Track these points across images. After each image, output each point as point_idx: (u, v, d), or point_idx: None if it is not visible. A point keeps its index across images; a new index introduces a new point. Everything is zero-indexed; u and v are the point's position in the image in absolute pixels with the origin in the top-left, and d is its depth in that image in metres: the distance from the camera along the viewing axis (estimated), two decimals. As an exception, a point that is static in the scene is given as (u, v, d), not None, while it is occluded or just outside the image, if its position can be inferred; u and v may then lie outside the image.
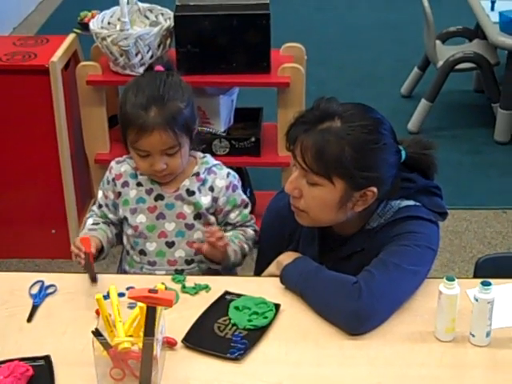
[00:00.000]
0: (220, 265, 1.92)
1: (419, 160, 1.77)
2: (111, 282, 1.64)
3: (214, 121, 2.99)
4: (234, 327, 1.64)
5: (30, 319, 1.69)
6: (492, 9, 3.99)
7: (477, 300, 1.56)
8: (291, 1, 5.88)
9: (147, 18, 3.04)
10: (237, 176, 2.01)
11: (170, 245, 1.96)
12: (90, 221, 2.02)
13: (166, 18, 2.96)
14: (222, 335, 1.62)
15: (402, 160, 1.73)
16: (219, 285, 1.78)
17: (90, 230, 1.96)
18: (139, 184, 1.97)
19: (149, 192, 1.96)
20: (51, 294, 1.78)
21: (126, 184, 1.98)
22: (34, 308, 1.72)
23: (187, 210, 1.95)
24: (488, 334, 1.59)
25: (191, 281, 1.79)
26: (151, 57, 2.83)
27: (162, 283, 1.71)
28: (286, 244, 1.87)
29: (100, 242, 1.91)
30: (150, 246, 1.97)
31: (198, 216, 1.96)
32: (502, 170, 3.79)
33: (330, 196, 1.67)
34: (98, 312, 1.59)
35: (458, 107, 4.42)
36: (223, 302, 1.71)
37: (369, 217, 1.75)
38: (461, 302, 1.60)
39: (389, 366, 1.55)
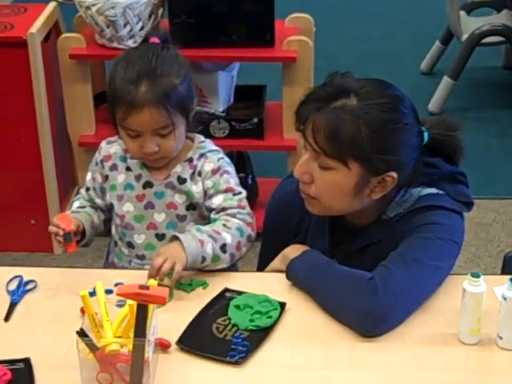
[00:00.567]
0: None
1: (443, 142, 1.77)
2: (98, 277, 1.63)
3: (212, 99, 2.99)
4: (235, 328, 1.65)
5: (7, 318, 1.70)
6: (523, -25, 3.99)
7: (505, 298, 1.56)
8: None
9: (137, -16, 3.04)
10: (231, 164, 1.99)
11: (161, 237, 1.97)
12: (75, 204, 2.03)
13: (158, -15, 2.96)
14: (221, 337, 1.63)
15: (424, 142, 1.73)
16: (218, 281, 1.78)
17: (74, 213, 1.97)
18: (128, 168, 1.97)
19: (138, 178, 1.96)
20: (31, 290, 1.78)
21: (114, 167, 1.98)
22: (12, 306, 1.73)
23: (178, 199, 1.95)
24: (517, 336, 1.59)
25: (187, 276, 1.80)
26: (141, 28, 2.83)
27: (155, 279, 1.71)
28: (293, 235, 1.87)
29: (82, 224, 1.91)
30: (138, 239, 1.98)
31: (190, 206, 1.96)
32: (534, 156, 3.81)
33: (345, 181, 1.67)
34: (82, 310, 1.60)
35: (484, 85, 4.42)
36: (222, 300, 1.72)
37: (386, 205, 1.75)
38: (487, 300, 1.60)
39: (406, 371, 1.55)
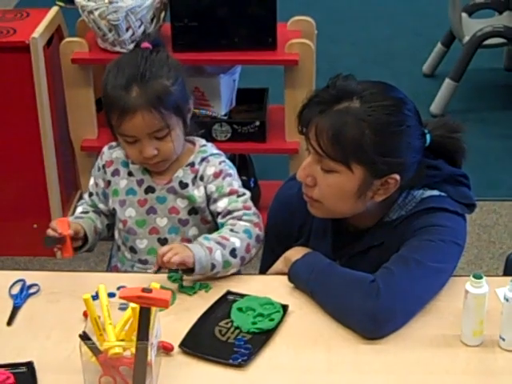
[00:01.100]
0: (193, 271, 1.79)
1: (445, 144, 1.77)
2: (100, 281, 1.63)
3: (214, 103, 2.99)
4: (237, 331, 1.65)
5: (10, 322, 1.70)
6: (525, -23, 3.99)
7: (507, 300, 1.56)
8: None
9: (139, -12, 3.05)
10: (233, 166, 1.99)
11: (163, 242, 1.97)
12: (79, 209, 2.04)
13: (159, -11, 2.96)
14: (223, 339, 1.63)
15: (426, 144, 1.73)
16: (220, 284, 1.79)
17: (77, 218, 1.98)
18: (130, 174, 1.98)
19: (140, 183, 1.97)
20: (33, 294, 1.78)
21: (116, 172, 1.99)
22: (15, 310, 1.73)
23: (180, 204, 1.95)
24: (520, 338, 1.59)
25: (189, 279, 1.80)
26: (143, 32, 2.83)
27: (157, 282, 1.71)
28: (295, 238, 1.87)
29: (83, 229, 1.92)
30: (141, 244, 1.98)
31: (193, 211, 1.96)
32: (537, 158, 3.80)
33: (348, 184, 1.67)
34: (85, 314, 1.60)
35: (486, 87, 4.42)
36: (225, 303, 1.72)
37: (388, 208, 1.75)
38: (489, 302, 1.60)
39: (409, 374, 1.55)
